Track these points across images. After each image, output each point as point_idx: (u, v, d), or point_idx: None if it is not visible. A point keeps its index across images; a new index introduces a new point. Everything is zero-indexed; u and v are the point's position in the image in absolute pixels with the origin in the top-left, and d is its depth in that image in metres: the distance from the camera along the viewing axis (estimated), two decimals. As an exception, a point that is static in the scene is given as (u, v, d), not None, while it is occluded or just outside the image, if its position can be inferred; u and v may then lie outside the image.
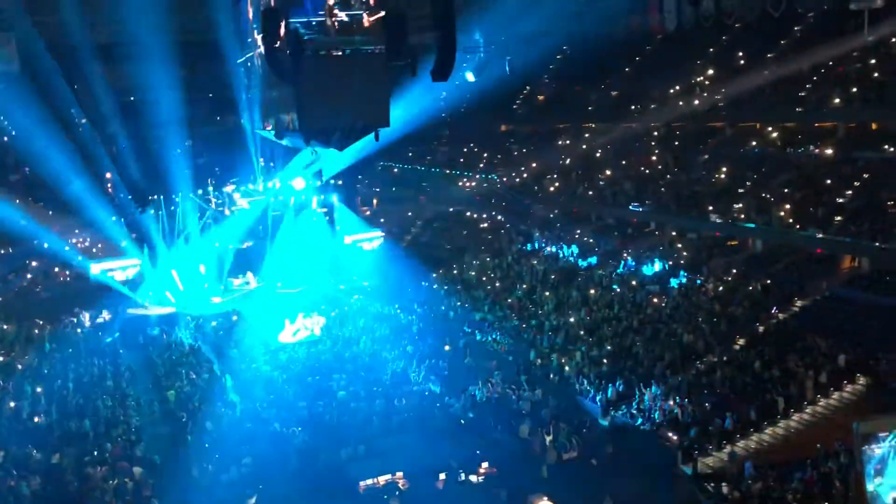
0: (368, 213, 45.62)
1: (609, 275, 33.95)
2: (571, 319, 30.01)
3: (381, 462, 19.78)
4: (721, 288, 30.46)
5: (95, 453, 19.92)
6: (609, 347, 26.99)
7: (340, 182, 41.15)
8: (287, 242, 40.70)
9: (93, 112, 40.91)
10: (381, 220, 42.42)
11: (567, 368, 25.89)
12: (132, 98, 40.04)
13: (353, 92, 21.14)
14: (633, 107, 40.41)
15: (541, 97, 48.68)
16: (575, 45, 41.92)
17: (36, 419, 22.30)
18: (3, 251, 35.48)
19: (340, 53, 22.12)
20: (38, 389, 24.65)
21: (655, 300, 30.53)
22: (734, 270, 31.37)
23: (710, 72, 37.82)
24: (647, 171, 39.25)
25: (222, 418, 22.54)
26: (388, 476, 19.23)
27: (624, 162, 40.80)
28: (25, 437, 20.79)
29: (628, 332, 28.08)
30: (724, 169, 35.74)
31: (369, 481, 19.00)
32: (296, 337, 31.47)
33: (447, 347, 28.80)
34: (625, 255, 35.37)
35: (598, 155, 42.22)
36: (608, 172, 40.64)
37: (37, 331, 31.67)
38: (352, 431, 21.43)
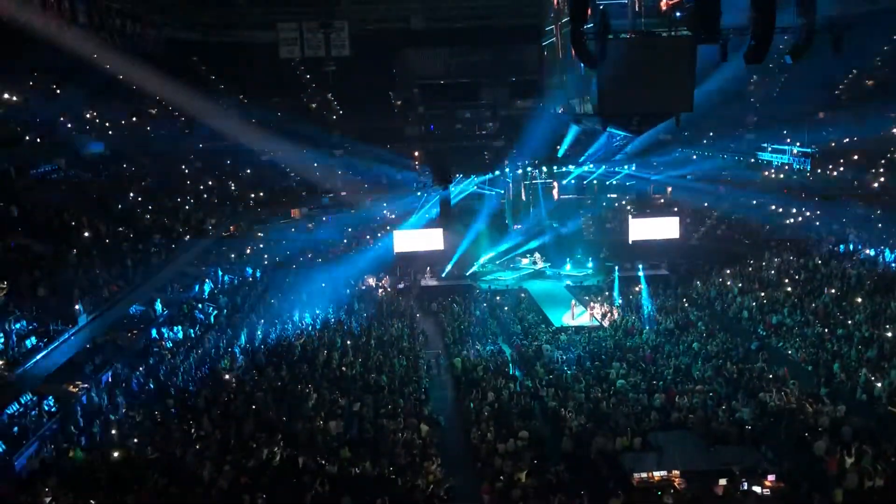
0: (662, 201, 44.22)
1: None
2: (889, 334, 26.49)
3: (657, 457, 19.14)
4: None
5: (389, 407, 21.83)
6: (935, 370, 23.40)
7: (633, 168, 40.40)
8: (576, 226, 41.15)
9: (406, 93, 44.69)
10: (675, 209, 40.86)
11: (879, 387, 22.94)
12: (441, 82, 42.59)
13: (656, 76, 20.61)
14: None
15: (870, 81, 43.31)
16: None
17: (343, 369, 25.02)
18: (324, 219, 40.27)
19: (645, 37, 21.64)
20: (348, 343, 27.71)
21: None
22: None
23: None
24: None
25: (502, 390, 23.40)
26: (664, 473, 18.61)
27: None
28: (334, 385, 23.44)
29: (961, 354, 24.10)
30: None
31: (643, 475, 18.54)
32: (577, 320, 31.69)
33: (739, 349, 27.11)
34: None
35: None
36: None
37: (348, 290, 35.48)
38: (628, 422, 21.01)
